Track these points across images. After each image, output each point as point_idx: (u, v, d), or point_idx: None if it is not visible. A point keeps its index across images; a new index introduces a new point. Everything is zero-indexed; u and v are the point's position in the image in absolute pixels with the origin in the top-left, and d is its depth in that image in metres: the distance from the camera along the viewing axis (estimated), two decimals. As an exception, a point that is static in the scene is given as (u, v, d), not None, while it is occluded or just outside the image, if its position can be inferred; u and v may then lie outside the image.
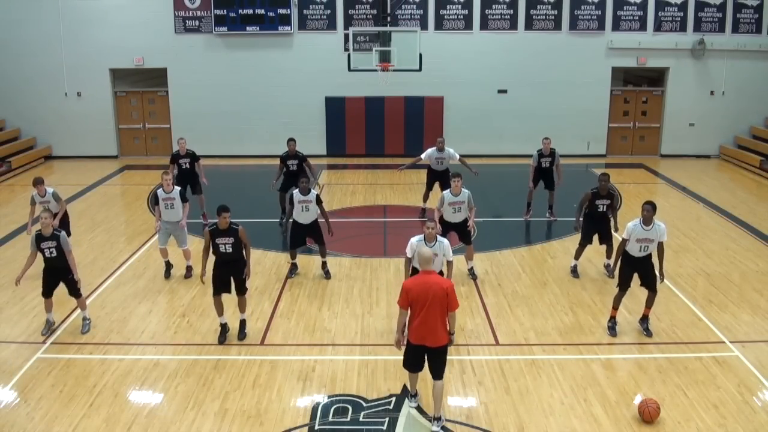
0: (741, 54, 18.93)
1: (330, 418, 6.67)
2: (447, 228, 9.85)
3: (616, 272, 8.41)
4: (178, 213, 9.99)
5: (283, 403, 6.91)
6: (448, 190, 9.84)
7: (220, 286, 8.15)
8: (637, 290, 8.53)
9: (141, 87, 19.73)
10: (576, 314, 8.97)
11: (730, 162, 19.01)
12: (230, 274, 8.17)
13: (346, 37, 18.03)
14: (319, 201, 9.97)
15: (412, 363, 6.53)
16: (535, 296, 9.62)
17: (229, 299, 8.45)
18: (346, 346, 8.17)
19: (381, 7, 17.94)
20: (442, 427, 6.45)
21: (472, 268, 10.27)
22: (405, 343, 6.53)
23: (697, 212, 14.08)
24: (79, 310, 8.73)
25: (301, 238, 10.19)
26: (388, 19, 17.83)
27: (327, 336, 8.42)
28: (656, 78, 19.85)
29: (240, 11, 18.39)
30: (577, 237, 10.46)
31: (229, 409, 6.79)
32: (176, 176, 12.64)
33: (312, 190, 9.98)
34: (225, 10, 18.40)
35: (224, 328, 8.31)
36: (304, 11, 18.71)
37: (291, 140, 12.57)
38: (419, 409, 6.74)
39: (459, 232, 9.96)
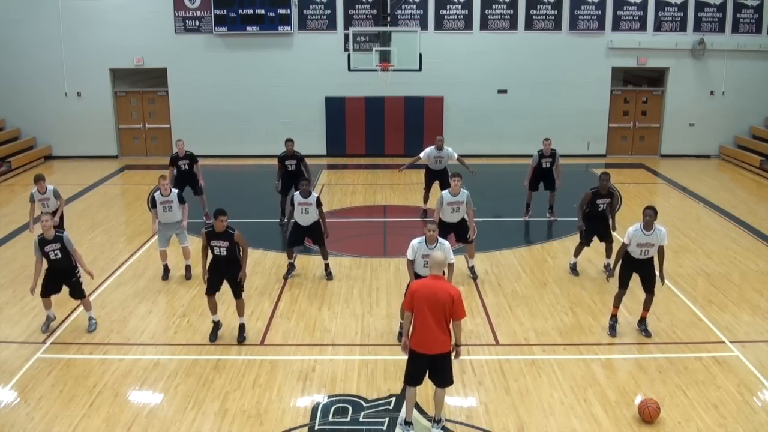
0: (741, 54, 18.93)
1: (330, 418, 6.67)
2: (445, 228, 9.85)
3: (616, 272, 8.40)
4: (176, 215, 10.04)
5: (283, 403, 6.91)
6: (447, 190, 9.84)
7: (213, 287, 8.21)
8: (637, 290, 8.52)
9: (141, 87, 19.74)
10: (576, 314, 8.97)
11: (730, 162, 19.01)
12: (223, 275, 8.21)
13: (346, 37, 18.03)
14: (319, 203, 9.97)
15: (412, 374, 6.29)
16: (535, 296, 9.62)
17: (229, 299, 8.46)
18: (346, 346, 8.17)
19: (381, 7, 17.94)
20: (443, 428, 6.44)
21: (473, 267, 10.27)
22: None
23: (697, 212, 14.08)
24: (80, 309, 8.74)
25: (300, 238, 10.21)
26: (388, 19, 17.83)
27: (327, 336, 8.42)
28: (656, 78, 19.85)
29: (240, 11, 18.40)
30: (577, 236, 10.46)
31: (229, 409, 6.79)
32: (175, 177, 12.68)
33: (312, 193, 9.99)
34: (225, 10, 18.40)
35: (216, 325, 8.36)
36: (304, 11, 18.71)
37: (289, 140, 12.58)
38: (419, 409, 6.74)
39: (457, 232, 9.96)
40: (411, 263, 7.90)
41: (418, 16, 18.69)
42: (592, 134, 19.55)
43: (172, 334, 8.44)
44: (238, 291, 8.23)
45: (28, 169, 18.14)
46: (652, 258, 8.18)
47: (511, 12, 18.75)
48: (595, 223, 10.15)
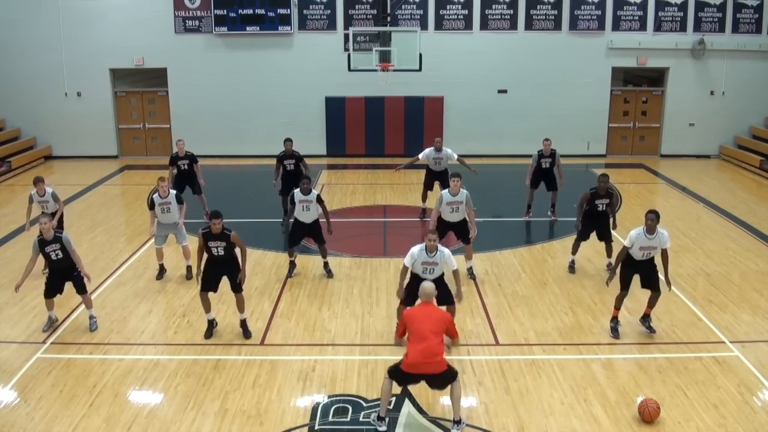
0: (741, 54, 18.93)
1: (330, 418, 6.67)
2: (445, 228, 9.85)
3: (617, 274, 8.38)
4: (174, 216, 10.07)
5: (283, 403, 6.91)
6: (447, 189, 9.84)
7: (207, 284, 8.22)
8: (637, 291, 8.52)
9: (141, 87, 19.74)
10: (576, 314, 8.97)
11: (730, 162, 19.01)
12: (221, 274, 8.25)
13: (346, 37, 18.03)
14: (320, 200, 9.98)
15: (400, 380, 6.43)
16: (535, 296, 9.62)
17: (230, 298, 8.46)
18: (346, 346, 8.16)
19: (381, 7, 17.93)
20: (436, 423, 6.43)
21: (470, 267, 10.26)
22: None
23: (697, 212, 14.08)
24: (82, 308, 8.75)
25: (300, 236, 10.22)
26: (388, 19, 17.82)
27: (327, 336, 8.42)
28: (656, 78, 19.85)
29: (240, 11, 18.40)
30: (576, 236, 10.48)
31: (229, 409, 6.79)
32: (175, 177, 12.68)
33: (313, 190, 9.99)
34: (225, 10, 18.40)
35: (211, 324, 8.38)
36: (304, 11, 18.71)
37: (288, 140, 12.61)
38: (419, 409, 6.74)
39: (457, 231, 9.96)
40: (405, 271, 7.87)
41: (418, 16, 18.69)
42: (592, 134, 19.55)
43: (172, 334, 8.44)
44: (237, 285, 8.24)
45: (28, 169, 18.15)
46: (653, 257, 8.18)
47: (511, 12, 18.75)
48: (594, 221, 10.17)
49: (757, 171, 17.55)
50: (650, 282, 8.24)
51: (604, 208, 10.10)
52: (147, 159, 19.61)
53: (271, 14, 18.47)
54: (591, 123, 19.40)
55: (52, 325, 8.50)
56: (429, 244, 7.67)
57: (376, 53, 15.37)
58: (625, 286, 8.30)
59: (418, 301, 6.77)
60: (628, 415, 6.65)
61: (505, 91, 19.19)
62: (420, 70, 15.57)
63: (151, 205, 10.00)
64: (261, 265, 10.79)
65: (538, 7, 18.70)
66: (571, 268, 10.43)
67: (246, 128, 19.33)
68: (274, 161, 12.72)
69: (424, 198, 13.30)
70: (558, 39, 18.84)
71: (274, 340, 8.31)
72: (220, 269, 8.22)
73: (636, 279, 8.33)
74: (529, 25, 18.82)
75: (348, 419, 6.66)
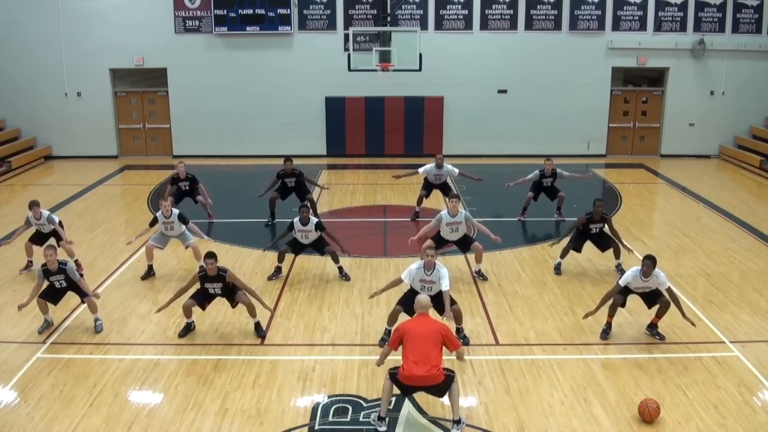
0: (741, 54, 18.93)
1: (330, 418, 6.67)
2: (444, 242, 9.99)
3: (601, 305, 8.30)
4: (177, 232, 10.26)
5: (283, 403, 6.91)
6: (446, 210, 9.91)
7: (198, 299, 8.26)
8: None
9: (141, 87, 19.73)
10: (576, 314, 8.96)
11: (730, 162, 19.01)
12: (211, 300, 8.40)
13: (346, 37, 18.03)
14: (320, 227, 9.86)
15: (400, 389, 6.43)
16: (535, 296, 9.62)
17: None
18: (346, 346, 8.16)
19: (381, 7, 17.95)
20: (436, 423, 6.43)
21: (479, 270, 10.24)
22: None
23: (697, 212, 14.08)
24: (82, 308, 8.76)
25: (298, 249, 10.10)
26: (388, 19, 17.83)
27: (327, 336, 8.42)
28: (656, 78, 19.85)
29: (240, 11, 18.39)
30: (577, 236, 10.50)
31: (229, 409, 6.79)
32: (175, 195, 12.70)
33: (312, 219, 9.88)
34: (225, 10, 18.40)
35: (189, 326, 8.41)
36: (304, 11, 18.71)
37: (288, 159, 12.72)
38: (419, 409, 6.74)
39: (458, 244, 10.11)
40: (397, 282, 8.02)
41: (418, 16, 18.69)
42: (592, 134, 19.54)
43: (172, 334, 8.44)
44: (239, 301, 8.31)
45: (28, 169, 18.16)
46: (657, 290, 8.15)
47: (511, 12, 18.75)
48: (588, 238, 10.37)
49: (757, 171, 17.55)
50: (654, 299, 8.19)
51: (597, 231, 10.28)
52: (147, 159, 19.61)
53: (271, 14, 18.47)
54: (591, 123, 19.40)
55: (48, 327, 8.49)
56: (427, 261, 7.73)
57: (376, 53, 15.38)
58: (621, 303, 8.24)
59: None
60: (628, 415, 6.65)
61: (505, 91, 19.19)
62: (420, 70, 15.58)
63: (153, 223, 10.20)
64: (261, 265, 10.78)
65: (538, 7, 18.70)
66: (557, 269, 10.47)
67: (246, 128, 19.32)
68: (273, 161, 12.77)
69: (420, 202, 13.30)
70: (558, 39, 18.84)
71: (274, 340, 8.30)
72: (215, 297, 8.39)
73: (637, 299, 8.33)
74: (529, 25, 18.82)
75: (348, 419, 6.66)
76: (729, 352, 7.94)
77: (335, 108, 19.16)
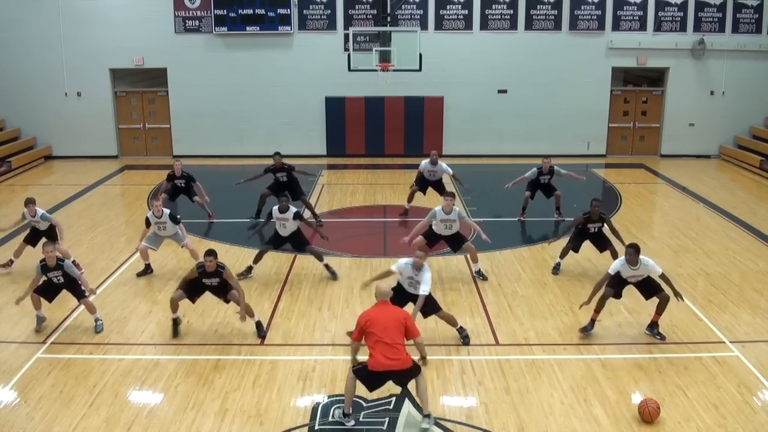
0: (741, 54, 18.93)
1: (330, 418, 6.67)
2: (437, 239, 10.00)
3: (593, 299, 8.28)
4: (170, 232, 10.29)
5: (283, 403, 6.91)
6: (441, 207, 9.93)
7: (188, 291, 8.26)
8: (636, 290, 8.51)
9: (141, 87, 19.73)
10: (576, 314, 8.95)
11: (730, 162, 19.01)
12: (209, 292, 8.37)
13: (346, 37, 18.04)
14: (298, 216, 9.98)
15: (367, 382, 6.46)
16: (535, 296, 9.62)
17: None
18: (346, 346, 8.13)
19: (381, 7, 17.95)
20: (435, 423, 6.44)
21: (479, 270, 10.25)
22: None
23: (697, 212, 14.08)
24: (82, 308, 8.76)
25: (279, 244, 10.19)
26: (388, 19, 17.83)
27: (327, 336, 8.43)
28: (656, 78, 19.85)
29: (240, 11, 18.40)
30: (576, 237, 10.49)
31: (229, 409, 6.79)
32: (170, 192, 12.82)
33: (291, 208, 9.95)
34: (225, 10, 18.40)
35: (176, 322, 8.41)
36: (304, 11, 18.71)
37: (276, 154, 12.82)
38: (415, 404, 6.73)
39: (449, 242, 10.14)
40: (388, 274, 8.09)
41: (418, 16, 18.69)
42: (592, 134, 19.54)
43: (172, 334, 8.43)
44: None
45: (28, 169, 18.16)
46: (648, 277, 8.15)
47: (511, 12, 18.75)
48: (587, 237, 10.37)
49: (757, 171, 17.55)
50: (650, 290, 8.20)
51: (596, 230, 10.27)
52: (147, 159, 19.61)
53: (271, 14, 18.47)
54: (591, 123, 19.40)
55: (41, 323, 8.50)
56: (416, 261, 7.82)
57: (376, 53, 15.39)
58: (614, 294, 8.22)
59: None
60: (628, 415, 6.65)
61: (505, 91, 19.19)
62: (420, 70, 15.59)
63: (147, 224, 10.23)
64: (260, 265, 10.76)
65: (538, 7, 18.70)
66: (555, 270, 10.47)
67: (246, 128, 19.33)
68: (273, 161, 12.76)
69: (410, 199, 13.32)
70: (558, 39, 18.84)
71: (274, 340, 8.31)
72: (209, 291, 8.37)
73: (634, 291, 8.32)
74: (529, 25, 18.82)
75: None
76: (729, 352, 7.94)
77: (335, 108, 19.16)
